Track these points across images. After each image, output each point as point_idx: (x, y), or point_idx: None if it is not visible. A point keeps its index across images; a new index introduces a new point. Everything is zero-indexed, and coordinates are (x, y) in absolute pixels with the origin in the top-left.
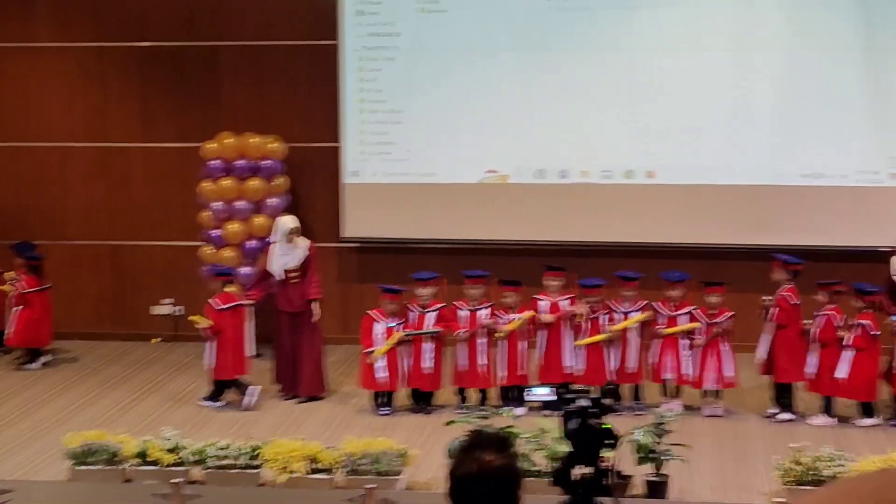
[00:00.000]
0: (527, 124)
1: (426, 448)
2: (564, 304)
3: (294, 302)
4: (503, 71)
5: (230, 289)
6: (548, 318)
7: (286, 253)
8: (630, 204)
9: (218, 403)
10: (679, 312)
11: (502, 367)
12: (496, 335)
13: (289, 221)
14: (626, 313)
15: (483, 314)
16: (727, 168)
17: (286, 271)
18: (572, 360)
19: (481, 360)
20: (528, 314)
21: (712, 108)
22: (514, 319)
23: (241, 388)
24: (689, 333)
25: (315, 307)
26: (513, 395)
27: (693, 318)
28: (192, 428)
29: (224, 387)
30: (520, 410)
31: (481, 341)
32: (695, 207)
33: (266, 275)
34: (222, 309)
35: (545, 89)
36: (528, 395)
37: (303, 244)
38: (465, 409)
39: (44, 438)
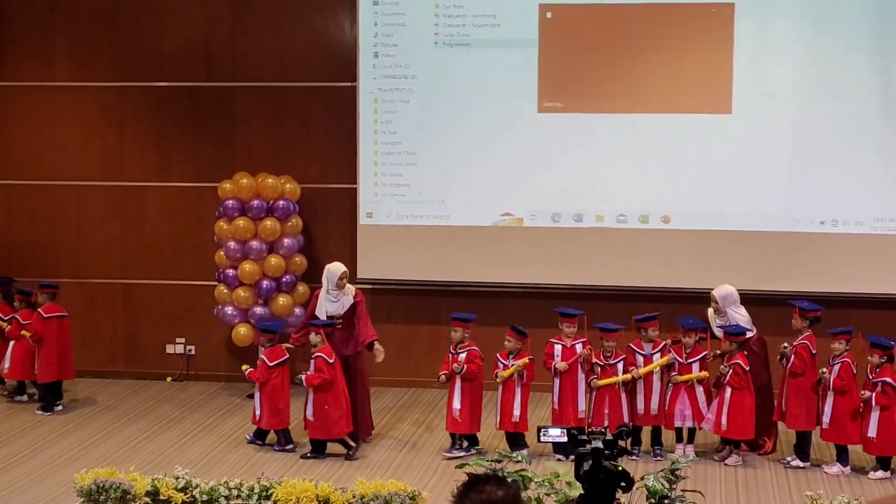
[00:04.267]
0: (542, 168)
1: (437, 490)
2: (578, 348)
3: (338, 347)
4: (519, 114)
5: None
6: (562, 366)
7: (335, 299)
8: (645, 248)
9: (289, 447)
10: (692, 360)
11: (496, 412)
12: (497, 380)
13: (339, 267)
14: (648, 356)
15: (462, 357)
16: (743, 214)
17: (331, 317)
18: (586, 405)
19: (455, 403)
20: (523, 361)
21: (728, 154)
22: (512, 365)
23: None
24: (699, 380)
25: (378, 348)
26: (514, 441)
27: (703, 365)
28: (204, 466)
29: (279, 435)
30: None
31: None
32: (710, 253)
33: (310, 321)
34: (273, 365)
35: (561, 133)
36: (542, 435)
37: (350, 291)
38: (458, 453)
39: (56, 475)
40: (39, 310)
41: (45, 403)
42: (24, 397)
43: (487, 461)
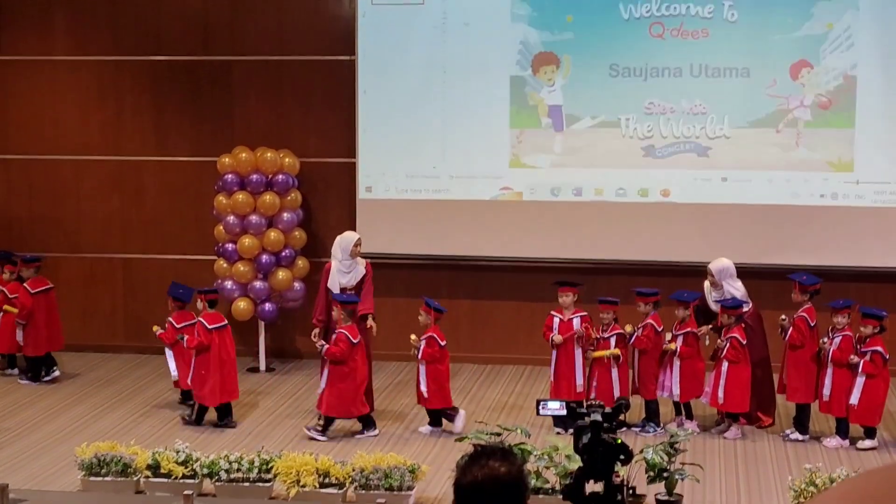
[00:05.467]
0: (541, 142)
1: (436, 464)
2: (576, 322)
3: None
4: (519, 88)
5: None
6: (558, 339)
7: (348, 270)
8: (644, 222)
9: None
10: (680, 332)
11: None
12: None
13: (352, 236)
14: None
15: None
16: (742, 187)
17: (344, 289)
18: (583, 379)
19: (422, 385)
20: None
21: (728, 128)
22: (422, 340)
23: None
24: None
25: (370, 321)
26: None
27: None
28: (205, 440)
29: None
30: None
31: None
32: (709, 226)
33: (326, 295)
34: (181, 327)
35: (561, 107)
36: (541, 408)
37: (362, 262)
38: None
39: (56, 449)
40: (26, 285)
41: (32, 374)
42: (16, 370)
43: (486, 434)
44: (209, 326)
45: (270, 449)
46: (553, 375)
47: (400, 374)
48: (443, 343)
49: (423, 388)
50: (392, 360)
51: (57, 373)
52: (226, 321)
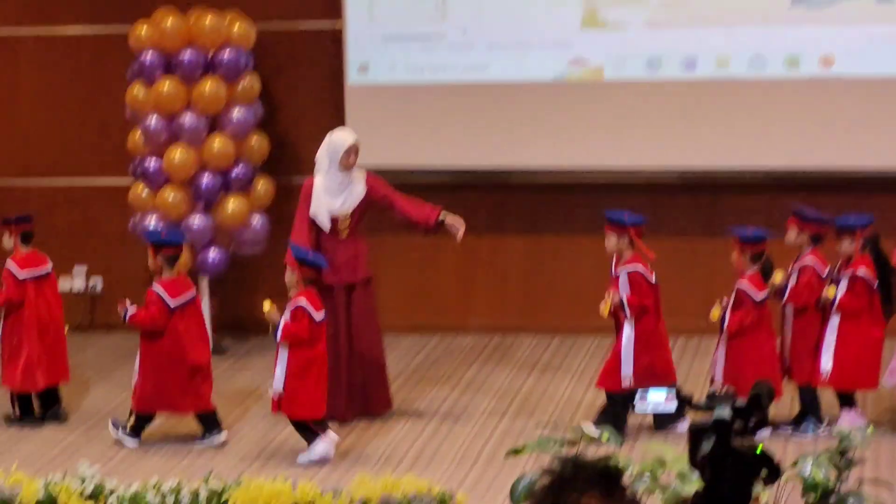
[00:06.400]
0: None
1: (479, 490)
2: (622, 278)
3: (342, 270)
4: None
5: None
6: (602, 309)
7: (340, 189)
8: (795, 108)
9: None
10: (845, 275)
11: None
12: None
13: (346, 137)
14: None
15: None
16: None
17: (336, 220)
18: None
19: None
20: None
21: None
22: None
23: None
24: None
25: (451, 221)
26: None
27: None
28: (121, 463)
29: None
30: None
31: None
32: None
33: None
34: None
35: None
36: (639, 402)
37: (360, 177)
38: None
39: None
40: (11, 262)
41: None
42: None
43: (557, 443)
44: (21, 275)
45: (223, 473)
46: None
47: (420, 352)
48: (318, 316)
49: (278, 384)
50: (406, 332)
51: None
52: (49, 265)
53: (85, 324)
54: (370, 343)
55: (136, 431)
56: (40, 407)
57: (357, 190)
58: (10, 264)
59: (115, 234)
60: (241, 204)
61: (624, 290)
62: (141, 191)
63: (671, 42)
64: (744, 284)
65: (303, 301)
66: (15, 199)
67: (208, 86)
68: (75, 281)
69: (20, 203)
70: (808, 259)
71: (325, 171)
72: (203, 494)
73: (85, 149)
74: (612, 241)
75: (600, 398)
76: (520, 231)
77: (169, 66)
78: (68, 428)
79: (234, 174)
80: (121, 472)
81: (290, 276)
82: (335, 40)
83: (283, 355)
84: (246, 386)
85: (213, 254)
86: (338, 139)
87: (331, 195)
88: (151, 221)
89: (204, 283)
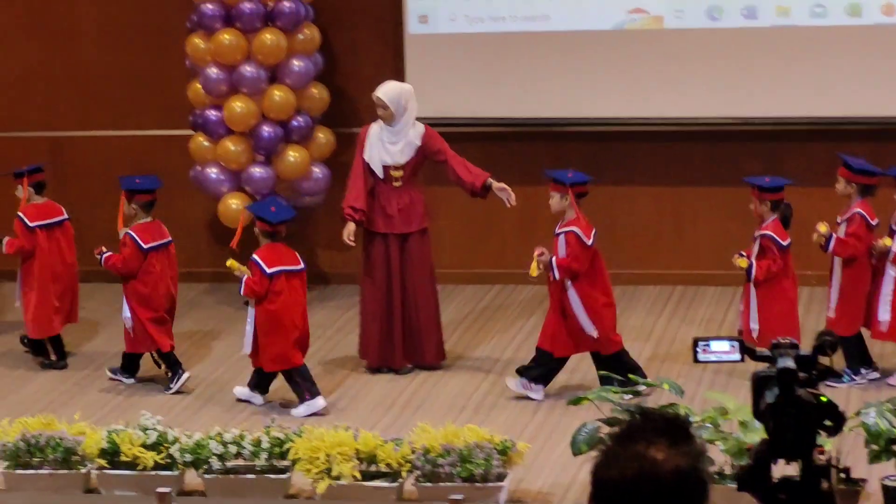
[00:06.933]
0: None
1: (541, 438)
2: (560, 240)
3: (396, 219)
4: None
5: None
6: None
7: (394, 139)
8: (857, 58)
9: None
10: None
11: None
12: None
13: (401, 87)
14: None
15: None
16: None
17: (388, 168)
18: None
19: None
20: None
21: None
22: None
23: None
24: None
25: (499, 185)
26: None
27: None
28: (183, 412)
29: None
30: None
31: None
32: None
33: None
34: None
35: None
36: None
37: (416, 126)
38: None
39: None
40: (21, 214)
41: None
42: None
43: (617, 392)
44: (30, 224)
45: (285, 423)
46: None
47: (479, 302)
48: (271, 270)
49: (247, 342)
50: (464, 282)
51: None
52: (63, 215)
53: None
54: (424, 293)
55: (127, 370)
56: (54, 352)
57: (412, 141)
58: (21, 214)
59: (176, 185)
60: (302, 155)
61: (562, 251)
62: (201, 142)
63: None
64: (768, 232)
65: (255, 256)
66: (75, 151)
67: (268, 36)
68: None
69: (81, 155)
70: (857, 209)
71: (380, 122)
72: (265, 443)
73: (145, 100)
74: (555, 200)
75: (661, 348)
76: None
77: (229, 16)
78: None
79: (294, 125)
80: (180, 424)
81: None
82: None
83: (251, 312)
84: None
85: None
86: (391, 91)
87: (384, 144)
88: (213, 172)
89: None
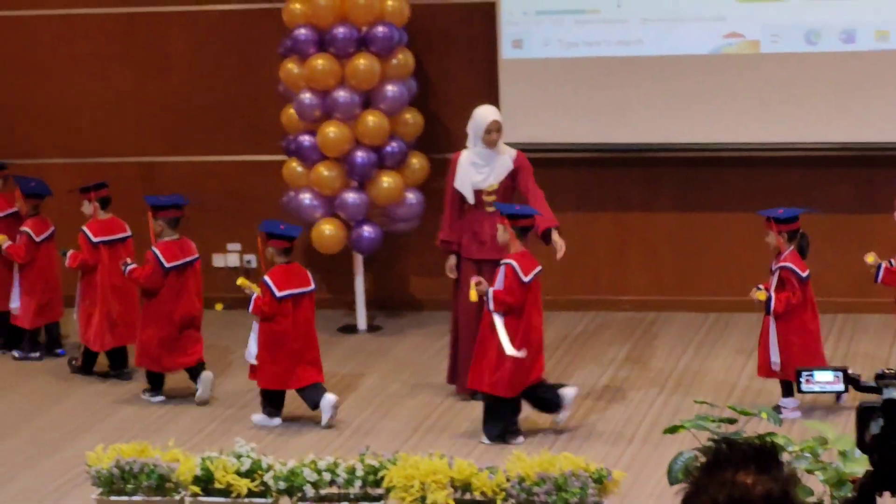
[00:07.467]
0: None
1: (635, 468)
2: (501, 272)
3: (488, 245)
4: None
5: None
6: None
7: (483, 164)
8: None
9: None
10: None
11: None
12: None
13: (489, 113)
14: None
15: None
16: None
17: (480, 193)
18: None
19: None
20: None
21: None
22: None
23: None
24: None
25: (556, 239)
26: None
27: None
28: (277, 439)
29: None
30: None
31: None
32: None
33: (456, 200)
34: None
35: None
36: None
37: (507, 151)
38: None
39: (55, 454)
40: (27, 229)
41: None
42: None
43: (714, 421)
44: (94, 239)
45: (379, 449)
46: None
47: (575, 328)
48: (281, 293)
49: (250, 353)
50: (559, 308)
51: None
52: (127, 231)
53: (239, 300)
54: None
55: (152, 389)
56: (109, 365)
57: (504, 165)
58: (85, 229)
59: (269, 211)
60: (395, 180)
61: (499, 283)
62: (295, 167)
63: (829, 15)
64: (787, 264)
65: (267, 278)
66: (166, 176)
67: (362, 61)
68: (229, 258)
69: (172, 180)
70: None
71: (472, 145)
72: (359, 471)
73: (237, 125)
74: (499, 232)
75: (757, 378)
76: (672, 207)
77: (322, 41)
78: (218, 406)
79: (387, 150)
80: (274, 451)
81: (265, 252)
82: (488, 15)
83: (255, 328)
84: (401, 362)
85: (367, 230)
86: (480, 115)
87: (475, 168)
88: (306, 198)
89: (358, 261)
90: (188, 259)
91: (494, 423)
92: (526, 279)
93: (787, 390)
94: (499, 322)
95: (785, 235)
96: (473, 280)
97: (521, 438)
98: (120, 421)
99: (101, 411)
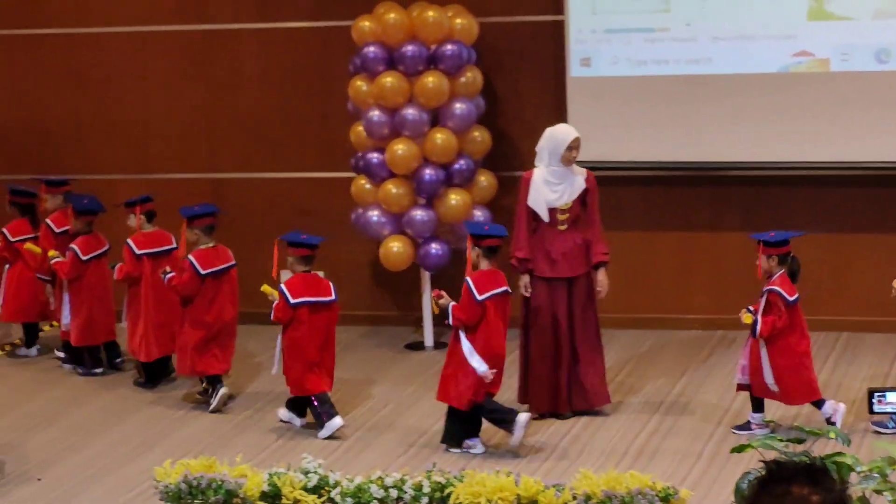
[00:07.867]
0: None
1: (702, 487)
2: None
3: (560, 263)
4: None
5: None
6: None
7: (558, 182)
8: None
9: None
10: None
11: None
12: None
13: (568, 132)
14: None
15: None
16: None
17: (554, 211)
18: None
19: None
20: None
21: None
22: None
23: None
24: None
25: (602, 278)
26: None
27: None
28: (344, 455)
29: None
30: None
31: None
32: None
33: (528, 217)
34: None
35: None
36: (876, 402)
37: (580, 172)
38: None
39: (123, 469)
40: (74, 246)
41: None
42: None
43: (782, 440)
44: (138, 251)
45: (445, 467)
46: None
47: (640, 347)
48: (294, 300)
49: (277, 363)
50: (623, 327)
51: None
52: (172, 244)
53: None
54: (589, 337)
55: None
56: (146, 373)
57: (577, 184)
58: (130, 241)
59: (337, 227)
60: (463, 198)
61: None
62: (363, 184)
63: None
64: (775, 288)
65: (283, 286)
66: (237, 193)
67: (430, 79)
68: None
69: (242, 197)
70: None
71: (545, 164)
72: (426, 488)
73: (306, 142)
74: (469, 250)
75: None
76: (739, 226)
77: (391, 59)
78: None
79: (455, 168)
80: (341, 467)
81: (293, 263)
82: (557, 34)
83: (279, 336)
84: None
85: (434, 248)
86: (560, 133)
87: (550, 187)
88: (374, 215)
89: (425, 277)
90: (224, 266)
91: (452, 431)
92: (479, 298)
93: (758, 406)
94: (462, 337)
95: (775, 259)
96: (433, 294)
97: (479, 448)
98: (187, 436)
99: (169, 426)
